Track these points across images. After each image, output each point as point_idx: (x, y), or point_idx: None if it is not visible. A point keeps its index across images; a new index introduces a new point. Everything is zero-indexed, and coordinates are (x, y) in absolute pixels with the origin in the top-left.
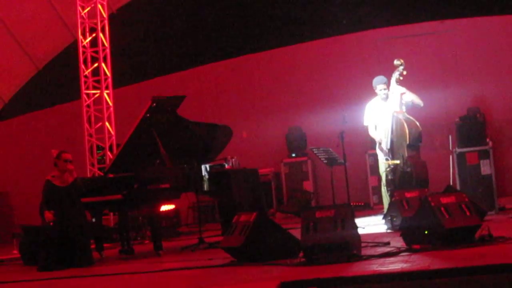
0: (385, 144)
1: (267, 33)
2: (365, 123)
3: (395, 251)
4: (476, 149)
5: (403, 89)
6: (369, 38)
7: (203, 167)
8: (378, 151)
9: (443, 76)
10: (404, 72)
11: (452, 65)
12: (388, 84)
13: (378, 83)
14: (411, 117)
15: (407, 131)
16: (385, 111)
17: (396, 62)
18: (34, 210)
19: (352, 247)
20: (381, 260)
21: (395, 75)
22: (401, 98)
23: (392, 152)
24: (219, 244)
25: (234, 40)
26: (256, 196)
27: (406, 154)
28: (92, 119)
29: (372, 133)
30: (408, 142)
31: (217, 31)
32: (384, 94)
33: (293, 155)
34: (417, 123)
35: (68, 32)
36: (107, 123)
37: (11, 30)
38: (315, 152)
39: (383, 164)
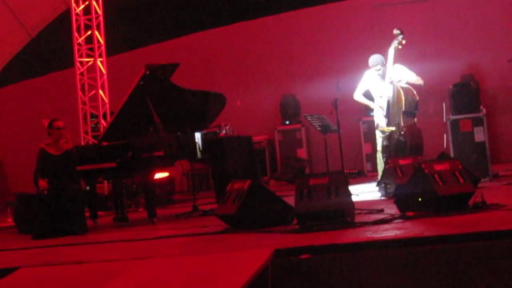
0: (381, 111)
1: (260, 0)
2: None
3: (388, 218)
4: (470, 116)
5: (401, 70)
6: (363, 5)
7: (197, 134)
8: (375, 116)
9: (437, 43)
10: (403, 41)
11: (446, 32)
12: (385, 59)
13: (374, 64)
14: (408, 85)
15: (403, 98)
16: (382, 84)
17: (395, 31)
18: (28, 178)
19: (346, 214)
20: (375, 227)
21: (394, 44)
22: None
23: (388, 119)
24: (213, 211)
25: (227, 7)
26: (250, 164)
27: (402, 122)
28: (86, 87)
29: (358, 97)
30: (403, 109)
31: None
32: (380, 74)
33: (287, 122)
34: (414, 92)
35: (61, 0)
36: (100, 91)
37: None
38: (309, 119)
39: (379, 131)
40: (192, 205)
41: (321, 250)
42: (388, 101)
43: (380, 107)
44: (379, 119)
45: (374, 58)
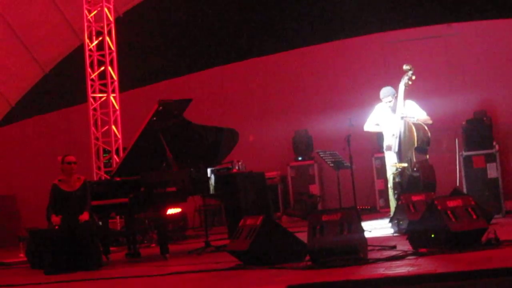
0: (393, 147)
1: (273, 36)
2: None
3: (401, 254)
4: (483, 152)
5: (412, 108)
6: (376, 41)
7: (209, 170)
8: (386, 153)
9: (450, 79)
10: (413, 77)
11: (459, 68)
12: (396, 92)
13: (385, 95)
14: (419, 121)
15: (415, 134)
16: (393, 117)
17: (405, 67)
18: (40, 214)
19: (359, 250)
20: (388, 263)
21: (404, 79)
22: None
23: (400, 155)
24: (225, 247)
25: (240, 44)
26: (263, 200)
27: (414, 158)
28: (99, 122)
29: (368, 127)
30: (416, 146)
31: (223, 34)
32: (390, 107)
33: (300, 158)
34: (426, 127)
35: (74, 36)
36: (113, 127)
37: (18, 34)
38: (321, 155)
39: (391, 167)
40: (205, 241)
41: (334, 286)
42: (400, 137)
43: (387, 146)
44: (390, 151)
45: (385, 90)
